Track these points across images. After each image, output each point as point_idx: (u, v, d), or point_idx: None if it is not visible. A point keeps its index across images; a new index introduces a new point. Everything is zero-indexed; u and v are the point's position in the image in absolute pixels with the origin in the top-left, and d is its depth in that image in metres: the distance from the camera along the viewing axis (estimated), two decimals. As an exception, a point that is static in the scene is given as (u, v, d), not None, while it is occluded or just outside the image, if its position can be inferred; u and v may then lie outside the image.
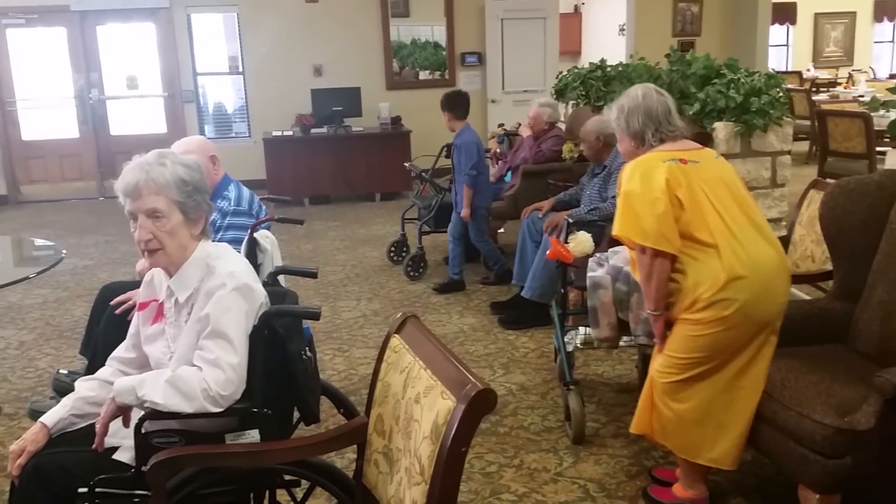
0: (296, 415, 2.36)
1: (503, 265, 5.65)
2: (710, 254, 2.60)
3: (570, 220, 3.88)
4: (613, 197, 4.43)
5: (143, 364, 2.29)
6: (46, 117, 9.92)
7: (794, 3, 14.84)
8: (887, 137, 7.03)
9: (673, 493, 2.88)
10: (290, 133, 9.13)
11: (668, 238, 2.59)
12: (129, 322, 2.40)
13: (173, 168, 2.14)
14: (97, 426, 2.05)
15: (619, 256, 3.51)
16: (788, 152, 5.01)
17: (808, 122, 9.98)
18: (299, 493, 2.51)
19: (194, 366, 2.05)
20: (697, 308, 2.60)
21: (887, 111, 4.17)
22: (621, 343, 3.50)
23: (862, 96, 10.27)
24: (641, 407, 2.83)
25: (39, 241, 4.66)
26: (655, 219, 2.59)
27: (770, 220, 4.76)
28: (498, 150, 6.80)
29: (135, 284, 3.35)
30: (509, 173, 6.29)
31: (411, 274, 5.90)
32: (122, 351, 2.35)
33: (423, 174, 6.13)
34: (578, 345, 3.58)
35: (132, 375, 2.14)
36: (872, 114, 6.67)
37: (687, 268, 2.62)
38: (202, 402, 2.00)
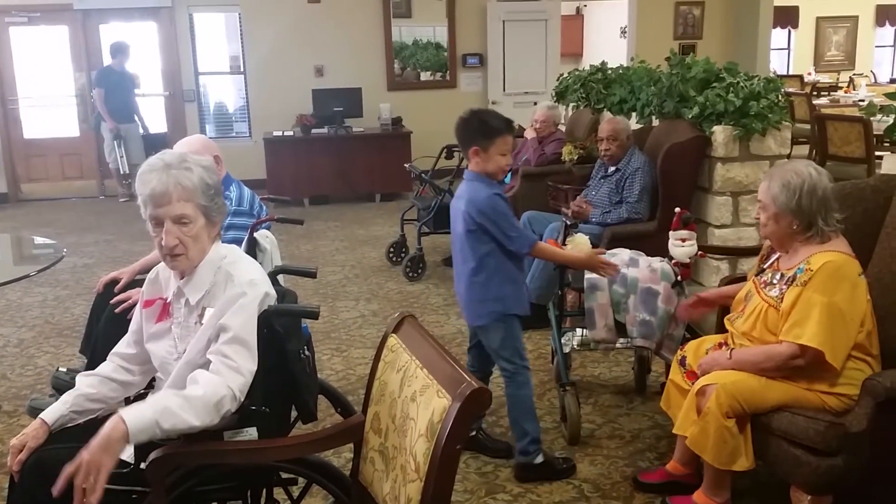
0: (293, 414, 2.38)
1: None
2: (870, 363, 2.57)
3: (568, 223, 3.90)
4: (636, 202, 4.62)
5: (144, 360, 2.30)
6: (48, 116, 9.98)
7: (797, 7, 14.86)
8: (887, 142, 7.04)
9: (694, 501, 2.80)
10: (291, 133, 9.15)
11: (843, 360, 2.50)
12: (129, 321, 2.41)
13: (198, 172, 2.11)
14: (62, 476, 1.83)
15: (617, 258, 3.54)
16: (787, 156, 5.02)
17: (808, 126, 9.98)
18: (296, 491, 2.52)
19: (205, 370, 2.02)
20: (833, 394, 2.52)
21: (886, 116, 4.16)
22: (618, 345, 3.53)
23: (862, 100, 10.28)
24: (686, 412, 2.72)
25: (40, 240, 4.68)
26: (848, 343, 2.50)
27: (767, 224, 4.84)
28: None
29: (134, 283, 3.38)
30: (509, 175, 6.30)
31: (410, 275, 5.92)
32: (123, 347, 2.35)
33: (423, 175, 6.14)
34: (575, 346, 3.61)
35: (139, 408, 1.92)
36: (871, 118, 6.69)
37: (854, 374, 2.53)
38: (227, 407, 1.98)
